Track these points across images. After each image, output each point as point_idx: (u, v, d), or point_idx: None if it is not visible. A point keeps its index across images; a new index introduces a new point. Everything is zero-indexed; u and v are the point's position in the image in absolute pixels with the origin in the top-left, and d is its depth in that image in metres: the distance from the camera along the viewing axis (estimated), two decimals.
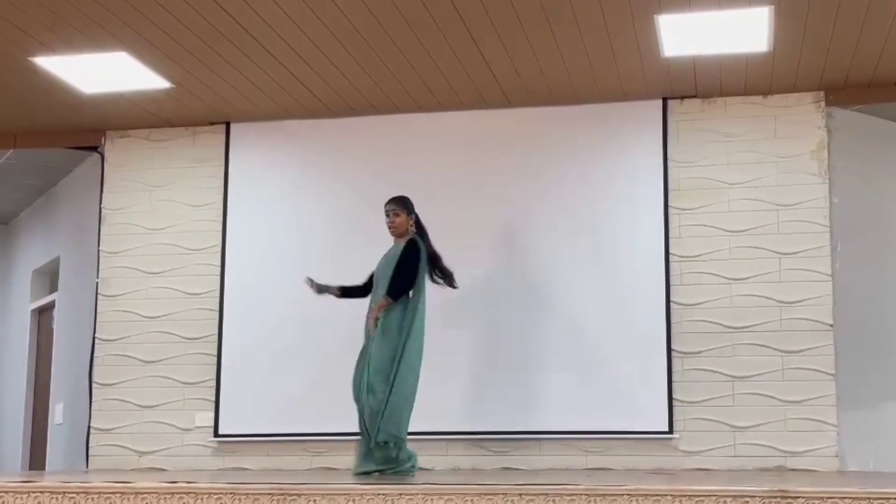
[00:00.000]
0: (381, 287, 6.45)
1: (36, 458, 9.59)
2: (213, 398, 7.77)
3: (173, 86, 7.27)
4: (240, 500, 4.34)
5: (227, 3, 6.00)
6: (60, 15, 6.13)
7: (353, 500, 4.23)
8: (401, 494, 4.22)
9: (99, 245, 8.19)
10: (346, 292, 6.76)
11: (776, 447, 7.05)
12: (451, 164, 7.73)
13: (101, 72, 7.02)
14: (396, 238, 6.58)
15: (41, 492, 4.49)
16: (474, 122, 7.72)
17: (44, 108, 7.73)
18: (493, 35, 6.43)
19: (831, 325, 7.10)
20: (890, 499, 3.87)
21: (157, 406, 7.88)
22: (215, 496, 4.36)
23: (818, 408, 7.03)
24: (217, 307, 7.88)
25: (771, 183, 7.32)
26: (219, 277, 7.92)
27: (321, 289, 6.76)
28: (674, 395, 7.20)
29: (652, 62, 6.86)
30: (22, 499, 4.49)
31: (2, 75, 7.08)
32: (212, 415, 7.76)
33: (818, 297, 7.13)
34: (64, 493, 4.47)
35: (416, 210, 6.63)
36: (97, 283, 8.15)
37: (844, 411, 7.02)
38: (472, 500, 4.16)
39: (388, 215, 6.57)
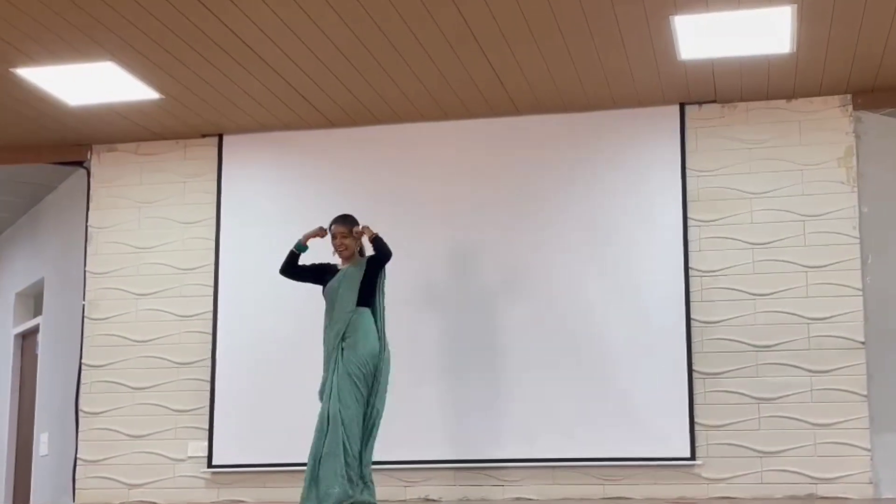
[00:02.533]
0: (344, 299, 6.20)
1: (19, 492, 9.50)
2: (207, 426, 7.70)
3: (163, 96, 7.24)
4: None
5: (219, 9, 5.93)
6: (43, 23, 6.08)
7: None
8: None
9: (85, 265, 8.14)
10: (296, 266, 6.42)
11: (806, 474, 6.95)
12: (458, 175, 7.68)
13: (86, 83, 6.99)
14: (344, 261, 6.39)
15: None
16: (481, 132, 7.67)
17: (27, 122, 7.69)
18: (499, 39, 6.36)
19: (863, 343, 7.01)
20: None
21: (147, 435, 7.81)
22: None
23: (850, 431, 6.94)
24: (210, 330, 7.81)
25: (796, 192, 7.26)
26: (212, 298, 7.84)
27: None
28: (696, 419, 7.11)
29: (668, 66, 6.79)
30: None
31: None
32: (205, 444, 7.69)
33: (848, 313, 7.05)
34: None
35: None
36: (84, 305, 8.10)
37: (878, 435, 6.93)
38: None
39: (335, 237, 6.36)
